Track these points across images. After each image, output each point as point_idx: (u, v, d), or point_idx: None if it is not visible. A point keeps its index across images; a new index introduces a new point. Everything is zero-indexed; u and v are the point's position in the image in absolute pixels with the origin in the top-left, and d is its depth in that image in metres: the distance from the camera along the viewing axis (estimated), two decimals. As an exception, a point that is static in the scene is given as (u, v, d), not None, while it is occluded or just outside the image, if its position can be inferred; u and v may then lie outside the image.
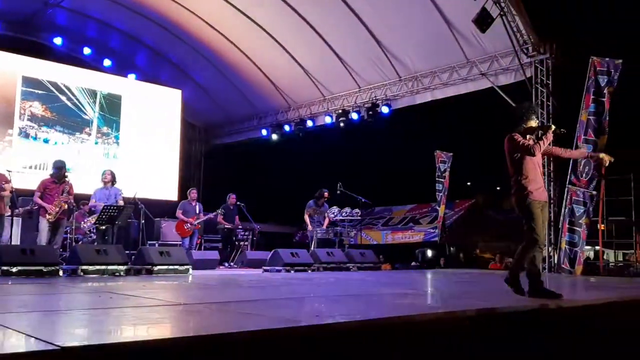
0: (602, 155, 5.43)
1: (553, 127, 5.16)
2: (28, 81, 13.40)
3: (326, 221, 11.38)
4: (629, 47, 11.64)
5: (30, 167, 12.72)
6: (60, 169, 8.73)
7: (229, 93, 16.91)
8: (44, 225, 8.52)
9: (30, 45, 14.50)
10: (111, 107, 14.67)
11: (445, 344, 3.42)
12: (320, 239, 11.22)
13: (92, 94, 14.36)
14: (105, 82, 14.86)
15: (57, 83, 13.80)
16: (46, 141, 13.46)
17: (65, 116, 13.82)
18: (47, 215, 8.45)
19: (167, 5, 13.79)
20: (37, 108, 13.43)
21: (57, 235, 8.61)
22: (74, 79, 14.19)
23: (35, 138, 13.33)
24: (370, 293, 5.75)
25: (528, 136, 5.15)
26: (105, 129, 14.48)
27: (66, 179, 8.72)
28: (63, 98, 13.84)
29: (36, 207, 9.06)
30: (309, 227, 11.35)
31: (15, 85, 13.22)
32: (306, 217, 11.41)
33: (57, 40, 15.02)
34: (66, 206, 8.64)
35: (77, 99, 14.05)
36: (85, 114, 14.18)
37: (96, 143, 14.32)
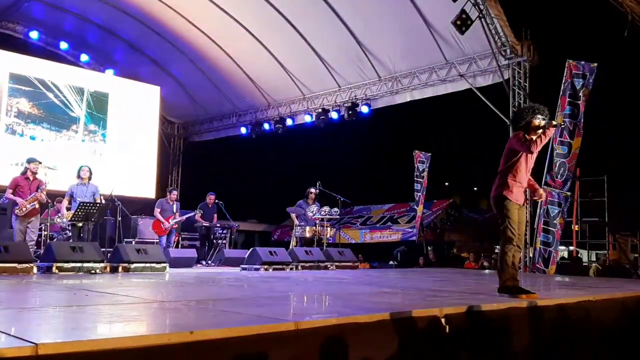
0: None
1: (554, 122, 5.12)
2: (15, 78, 13.23)
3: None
4: (605, 51, 11.88)
5: (17, 164, 12.56)
6: (31, 162, 8.66)
7: (208, 90, 16.82)
8: (17, 223, 8.45)
9: (5, 39, 14.26)
10: (98, 104, 14.59)
11: (422, 342, 3.45)
12: (298, 237, 11.22)
13: (80, 91, 14.26)
14: (92, 80, 14.77)
15: (44, 80, 13.69)
16: (33, 138, 13.36)
17: (52, 113, 13.74)
18: (16, 211, 8.37)
19: (146, 0, 13.66)
20: (24, 105, 13.30)
21: (30, 232, 8.52)
22: (61, 76, 14.09)
23: (21, 135, 13.21)
24: (347, 292, 5.77)
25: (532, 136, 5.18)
26: (92, 127, 14.40)
27: (36, 175, 8.63)
28: (50, 95, 13.74)
29: (6, 201, 8.93)
30: (296, 222, 11.29)
31: (2, 81, 13.09)
32: (293, 217, 11.37)
33: (33, 34, 14.80)
34: (38, 203, 8.51)
35: (65, 97, 13.98)
36: (73, 111, 14.09)
37: (83, 141, 14.23)
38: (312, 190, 11.37)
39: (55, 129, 13.74)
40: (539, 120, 5.08)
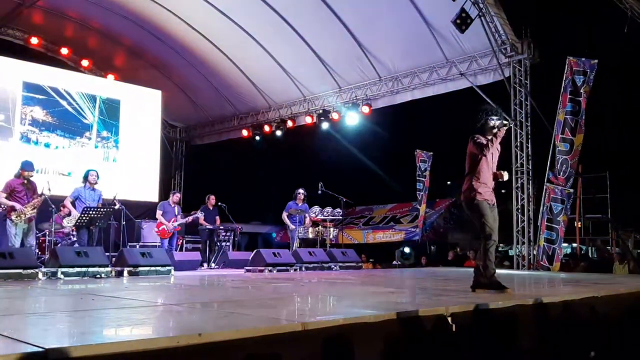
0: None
1: (504, 122, 5.35)
2: (29, 86, 13.38)
3: (307, 220, 11.38)
4: (605, 47, 11.88)
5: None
6: (28, 170, 8.43)
7: (208, 94, 16.84)
8: (12, 228, 8.17)
9: (5, 45, 14.30)
10: (110, 111, 14.75)
11: (429, 341, 3.46)
12: (301, 238, 11.23)
13: (92, 98, 14.42)
14: (103, 87, 14.96)
15: (57, 88, 13.85)
16: (47, 145, 13.49)
17: (66, 121, 13.89)
18: (13, 217, 8.12)
19: (145, 5, 13.67)
20: (38, 113, 13.47)
21: (29, 237, 8.34)
22: (74, 84, 14.28)
23: (36, 142, 13.35)
24: (353, 292, 5.78)
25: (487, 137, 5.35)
26: (104, 133, 14.58)
27: (32, 178, 8.45)
28: (64, 103, 13.91)
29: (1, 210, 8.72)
30: (290, 227, 11.33)
31: (16, 90, 13.22)
32: (284, 217, 11.40)
33: (34, 40, 14.84)
34: (34, 214, 8.41)
35: (78, 104, 14.15)
36: (86, 118, 14.27)
37: (96, 147, 14.39)
38: (300, 191, 11.39)
39: (69, 136, 13.90)
40: (493, 122, 5.32)
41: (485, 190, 5.26)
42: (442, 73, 13.06)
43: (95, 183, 9.23)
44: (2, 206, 8.56)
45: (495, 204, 5.38)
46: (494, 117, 5.35)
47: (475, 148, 5.28)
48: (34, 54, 14.66)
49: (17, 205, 8.18)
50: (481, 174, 5.27)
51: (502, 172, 5.46)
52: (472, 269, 5.52)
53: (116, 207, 9.23)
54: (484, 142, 5.26)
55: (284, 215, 11.39)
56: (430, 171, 14.98)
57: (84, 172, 9.38)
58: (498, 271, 5.41)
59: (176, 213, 11.15)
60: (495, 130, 5.27)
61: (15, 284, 6.34)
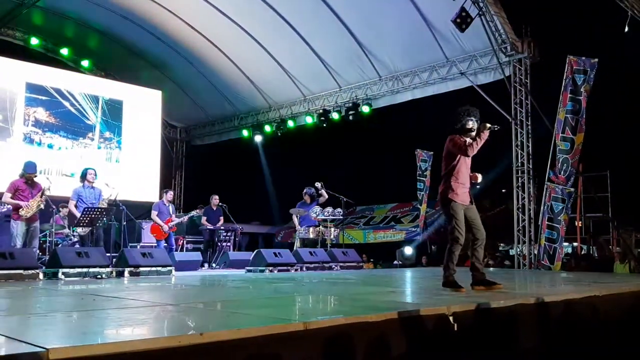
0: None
1: (488, 125, 5.33)
2: (32, 87, 13.42)
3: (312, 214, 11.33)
4: (605, 46, 11.87)
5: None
6: (30, 172, 8.44)
7: (209, 94, 16.83)
8: (18, 228, 8.21)
9: (5, 46, 14.29)
10: (113, 112, 14.81)
11: (431, 340, 3.45)
12: (302, 238, 11.23)
13: (95, 99, 14.48)
14: (105, 88, 15.00)
15: (60, 89, 13.90)
16: (50, 146, 13.55)
17: (68, 122, 13.95)
18: (21, 213, 8.14)
19: (146, 5, 13.67)
20: (41, 114, 13.53)
21: (33, 238, 8.35)
22: (76, 85, 14.32)
23: (39, 143, 13.39)
24: (354, 291, 5.78)
25: (466, 139, 5.36)
26: (107, 134, 14.64)
27: (35, 179, 8.48)
28: (66, 104, 13.97)
29: (5, 209, 8.77)
30: (298, 228, 11.29)
31: (19, 91, 13.26)
32: (294, 219, 11.38)
33: (34, 41, 14.84)
34: (42, 206, 8.44)
35: (80, 105, 14.21)
36: (88, 119, 14.33)
37: (99, 148, 14.44)
38: (306, 191, 11.39)
39: (72, 137, 13.96)
40: (472, 123, 5.36)
41: (463, 191, 5.31)
42: (442, 72, 13.06)
43: (94, 181, 9.20)
44: (6, 206, 8.61)
45: (472, 202, 5.43)
46: (473, 119, 5.38)
47: (457, 149, 5.28)
48: (33, 54, 14.64)
49: (23, 203, 8.25)
50: (460, 174, 5.32)
51: (476, 174, 5.50)
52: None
53: (114, 197, 9.16)
54: (466, 142, 5.26)
55: (294, 216, 11.40)
56: (431, 171, 14.97)
57: (82, 171, 9.33)
58: (498, 271, 5.44)
59: (171, 212, 11.03)
60: (474, 133, 5.29)
61: (16, 284, 6.33)
